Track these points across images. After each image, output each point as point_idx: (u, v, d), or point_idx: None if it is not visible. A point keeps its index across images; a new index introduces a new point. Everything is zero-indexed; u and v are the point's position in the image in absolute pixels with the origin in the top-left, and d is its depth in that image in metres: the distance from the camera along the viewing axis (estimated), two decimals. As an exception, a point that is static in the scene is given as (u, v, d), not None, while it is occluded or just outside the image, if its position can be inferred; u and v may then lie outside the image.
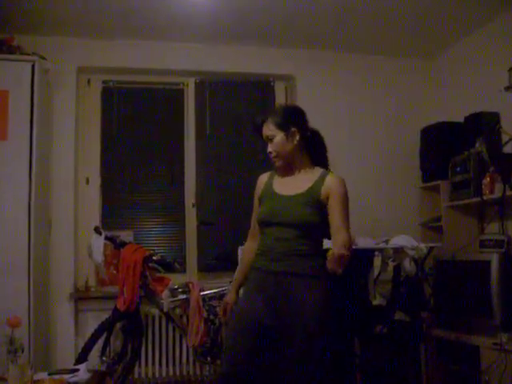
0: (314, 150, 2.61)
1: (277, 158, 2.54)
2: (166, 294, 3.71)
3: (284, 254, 2.44)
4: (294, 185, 2.52)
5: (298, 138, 2.52)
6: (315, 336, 2.35)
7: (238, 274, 2.77)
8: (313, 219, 2.44)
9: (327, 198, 2.45)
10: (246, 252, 2.73)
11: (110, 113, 4.47)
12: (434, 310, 3.80)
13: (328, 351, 2.39)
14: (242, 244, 3.64)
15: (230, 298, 2.72)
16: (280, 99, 4.74)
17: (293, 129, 2.51)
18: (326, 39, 4.47)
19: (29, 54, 3.71)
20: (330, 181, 2.48)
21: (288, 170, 2.59)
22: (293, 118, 2.55)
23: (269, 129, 2.53)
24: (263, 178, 2.68)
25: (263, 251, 2.52)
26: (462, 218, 4.10)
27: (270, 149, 2.55)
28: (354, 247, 3.63)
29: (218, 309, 3.81)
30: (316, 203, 2.45)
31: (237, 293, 2.72)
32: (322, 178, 2.50)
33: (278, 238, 2.45)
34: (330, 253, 2.18)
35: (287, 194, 2.51)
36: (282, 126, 2.51)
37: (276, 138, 2.51)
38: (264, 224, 2.54)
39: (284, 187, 2.55)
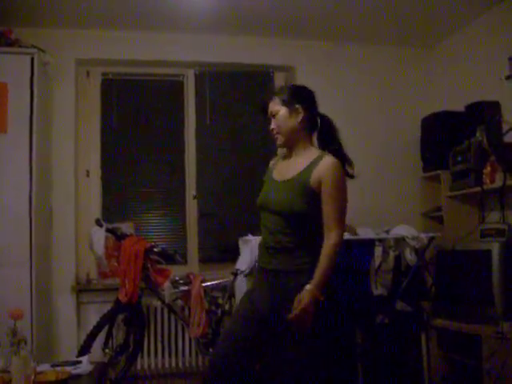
0: (322, 135, 2.51)
1: (278, 134, 2.46)
2: (167, 285, 3.71)
3: (274, 248, 2.38)
4: (289, 169, 2.44)
5: (301, 116, 2.42)
6: (306, 335, 2.27)
7: None
8: (298, 208, 2.31)
9: (320, 184, 2.30)
10: None
11: (109, 105, 4.46)
12: (435, 299, 3.80)
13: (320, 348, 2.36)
14: (242, 235, 3.66)
15: None
16: (280, 90, 4.74)
17: (297, 105, 2.42)
18: (326, 30, 4.45)
19: (28, 47, 3.71)
20: (322, 164, 2.32)
21: (289, 152, 2.52)
22: (298, 96, 2.47)
23: (274, 104, 2.46)
24: (271, 164, 2.63)
25: (260, 244, 2.52)
26: (462, 208, 4.10)
27: (272, 125, 2.47)
28: (354, 237, 3.68)
29: (219, 300, 3.83)
30: (304, 190, 2.32)
31: None
32: (315, 161, 2.36)
33: (269, 229, 2.40)
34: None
35: (279, 180, 2.45)
36: (286, 102, 2.44)
37: (279, 113, 2.44)
38: (259, 210, 2.49)
39: (280, 172, 2.49)
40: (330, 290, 2.30)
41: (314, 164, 2.35)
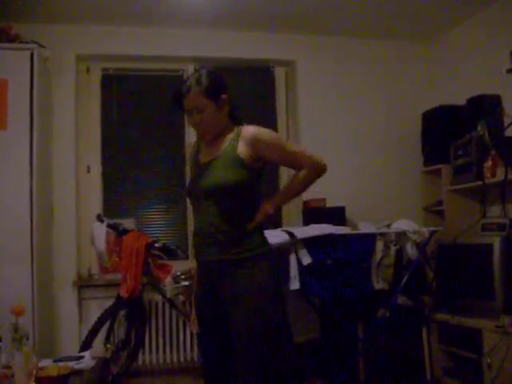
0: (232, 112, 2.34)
1: (207, 129, 2.23)
2: (168, 280, 3.72)
3: (211, 236, 2.19)
4: (214, 149, 2.26)
5: (227, 105, 2.25)
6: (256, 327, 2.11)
7: None
8: (232, 180, 2.15)
9: (251, 152, 2.19)
10: None
11: (109, 100, 4.46)
12: (436, 293, 3.81)
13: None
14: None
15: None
16: (280, 85, 4.73)
17: (223, 95, 2.22)
18: (327, 24, 4.43)
19: (27, 43, 3.69)
20: (245, 132, 2.22)
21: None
22: (221, 84, 2.24)
23: (196, 98, 2.17)
24: (193, 146, 2.45)
25: (194, 234, 2.31)
26: (463, 202, 4.09)
27: (198, 120, 2.20)
28: (356, 232, 3.69)
29: None
30: (232, 163, 2.18)
31: None
32: (237, 134, 2.23)
33: (203, 216, 2.21)
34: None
35: (205, 161, 2.27)
36: (212, 95, 2.18)
37: (207, 110, 2.18)
38: (189, 198, 2.35)
39: (205, 154, 2.31)
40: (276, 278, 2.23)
41: (236, 136, 2.23)
